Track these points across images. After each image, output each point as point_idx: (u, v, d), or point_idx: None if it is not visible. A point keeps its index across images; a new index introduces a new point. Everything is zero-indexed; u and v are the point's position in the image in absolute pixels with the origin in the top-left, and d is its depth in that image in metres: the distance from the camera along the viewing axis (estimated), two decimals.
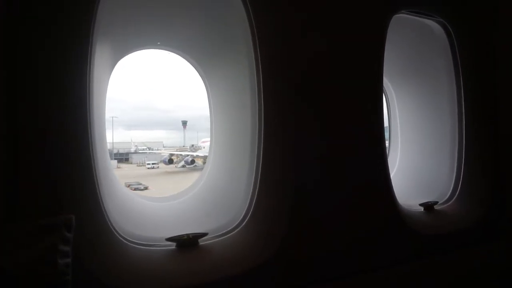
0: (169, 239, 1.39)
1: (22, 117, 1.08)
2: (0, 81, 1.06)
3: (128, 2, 1.55)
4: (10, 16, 1.06)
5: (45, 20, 1.10)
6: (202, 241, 1.44)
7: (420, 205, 2.03)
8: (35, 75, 1.09)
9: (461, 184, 2.09)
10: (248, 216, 1.50)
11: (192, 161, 16.37)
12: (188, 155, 16.85)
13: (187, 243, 1.40)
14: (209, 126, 2.20)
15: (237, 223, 1.53)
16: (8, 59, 1.06)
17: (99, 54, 1.33)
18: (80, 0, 1.15)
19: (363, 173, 1.67)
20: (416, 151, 2.48)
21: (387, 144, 2.60)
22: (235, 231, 1.50)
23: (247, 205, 1.53)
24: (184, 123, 20.12)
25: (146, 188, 10.90)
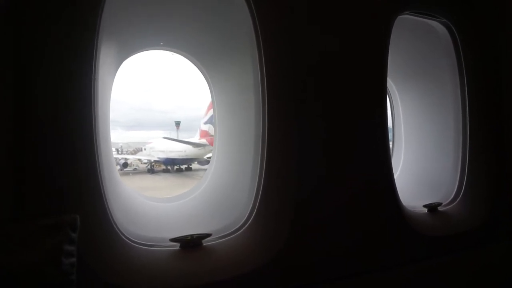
0: (173, 240, 1.39)
1: (27, 117, 1.08)
2: (6, 81, 1.06)
3: (133, 3, 1.55)
4: (16, 16, 1.07)
5: (51, 22, 1.11)
6: (205, 242, 1.44)
7: (424, 206, 2.02)
8: (40, 75, 1.10)
9: (465, 186, 2.08)
10: (252, 218, 1.50)
11: (125, 164, 15.87)
12: (121, 158, 16.28)
13: (190, 244, 1.40)
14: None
15: (240, 224, 1.52)
16: (13, 59, 1.07)
17: (104, 55, 1.34)
18: (85, 1, 1.16)
19: (367, 174, 1.66)
20: (419, 152, 2.46)
21: (390, 145, 2.59)
22: (239, 232, 1.50)
23: (251, 206, 1.53)
24: (177, 124, 19.85)
25: None
